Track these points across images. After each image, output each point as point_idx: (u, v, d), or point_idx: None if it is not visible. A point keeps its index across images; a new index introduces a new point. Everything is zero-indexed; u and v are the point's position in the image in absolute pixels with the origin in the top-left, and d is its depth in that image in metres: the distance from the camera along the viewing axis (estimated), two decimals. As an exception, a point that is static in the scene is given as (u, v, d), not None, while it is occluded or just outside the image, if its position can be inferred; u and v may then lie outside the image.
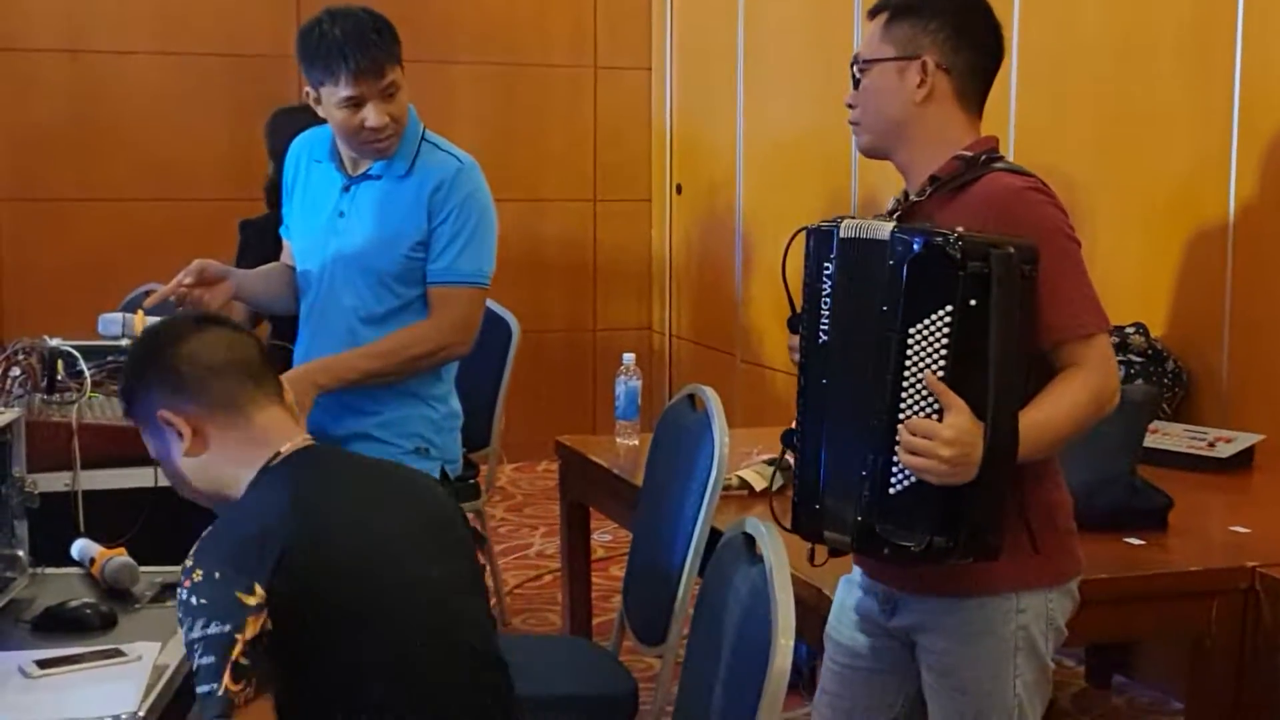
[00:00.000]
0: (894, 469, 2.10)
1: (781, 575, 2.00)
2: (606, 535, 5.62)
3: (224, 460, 1.99)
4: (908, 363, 2.08)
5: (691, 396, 3.16)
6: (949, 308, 2.04)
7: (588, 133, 7.42)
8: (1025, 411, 2.11)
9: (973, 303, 2.02)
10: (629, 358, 4.25)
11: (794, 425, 2.31)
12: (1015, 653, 2.24)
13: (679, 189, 7.32)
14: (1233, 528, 3.16)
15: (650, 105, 7.49)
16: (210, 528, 1.92)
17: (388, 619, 1.93)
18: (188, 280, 3.04)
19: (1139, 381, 3.90)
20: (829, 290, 2.22)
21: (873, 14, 2.34)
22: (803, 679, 4.20)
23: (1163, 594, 2.86)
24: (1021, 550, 2.18)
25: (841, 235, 2.20)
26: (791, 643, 1.94)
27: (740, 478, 3.39)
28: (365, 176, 3.07)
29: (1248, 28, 3.92)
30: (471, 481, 4.73)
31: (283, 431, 2.02)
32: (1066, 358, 2.17)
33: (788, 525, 2.30)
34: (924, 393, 2.06)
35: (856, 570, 2.42)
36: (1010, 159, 2.29)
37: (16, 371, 3.00)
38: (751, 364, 6.54)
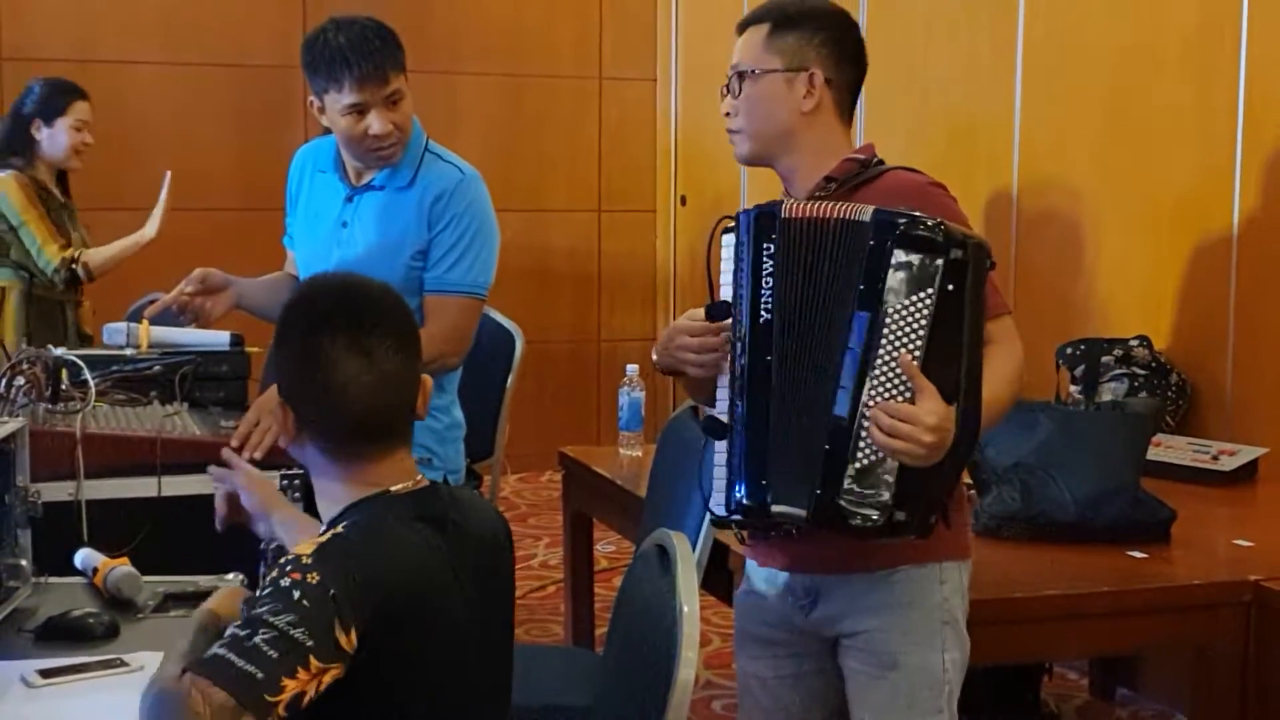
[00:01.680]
0: (860, 445, 2.11)
1: (689, 589, 1.99)
2: (610, 546, 5.62)
3: None
4: (883, 341, 2.09)
5: (694, 408, 3.15)
6: (929, 290, 2.07)
7: (593, 144, 7.43)
8: None
9: (950, 288, 2.07)
10: (632, 369, 4.25)
11: (713, 410, 2.27)
12: (942, 626, 2.30)
13: (684, 200, 7.32)
14: (1236, 541, 3.14)
15: (655, 116, 7.50)
16: (345, 537, 1.85)
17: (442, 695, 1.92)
18: (189, 289, 3.05)
19: (1143, 394, 3.90)
20: (769, 270, 2.21)
21: (745, 25, 2.41)
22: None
23: (1165, 607, 2.85)
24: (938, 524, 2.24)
25: (784, 215, 2.21)
26: (695, 655, 1.94)
27: (743, 489, 3.38)
28: (368, 187, 3.08)
29: (1252, 39, 3.92)
30: (475, 491, 4.74)
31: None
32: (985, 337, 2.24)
33: (717, 510, 2.25)
34: (897, 373, 2.08)
35: (760, 576, 2.43)
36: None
37: (21, 381, 3.00)
38: (756, 375, 6.53)
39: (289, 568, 1.77)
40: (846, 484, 2.12)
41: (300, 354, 1.97)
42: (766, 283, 2.21)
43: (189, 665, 1.71)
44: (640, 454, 4.01)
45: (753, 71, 2.38)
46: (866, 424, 2.09)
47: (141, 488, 2.85)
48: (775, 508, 2.21)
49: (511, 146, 7.18)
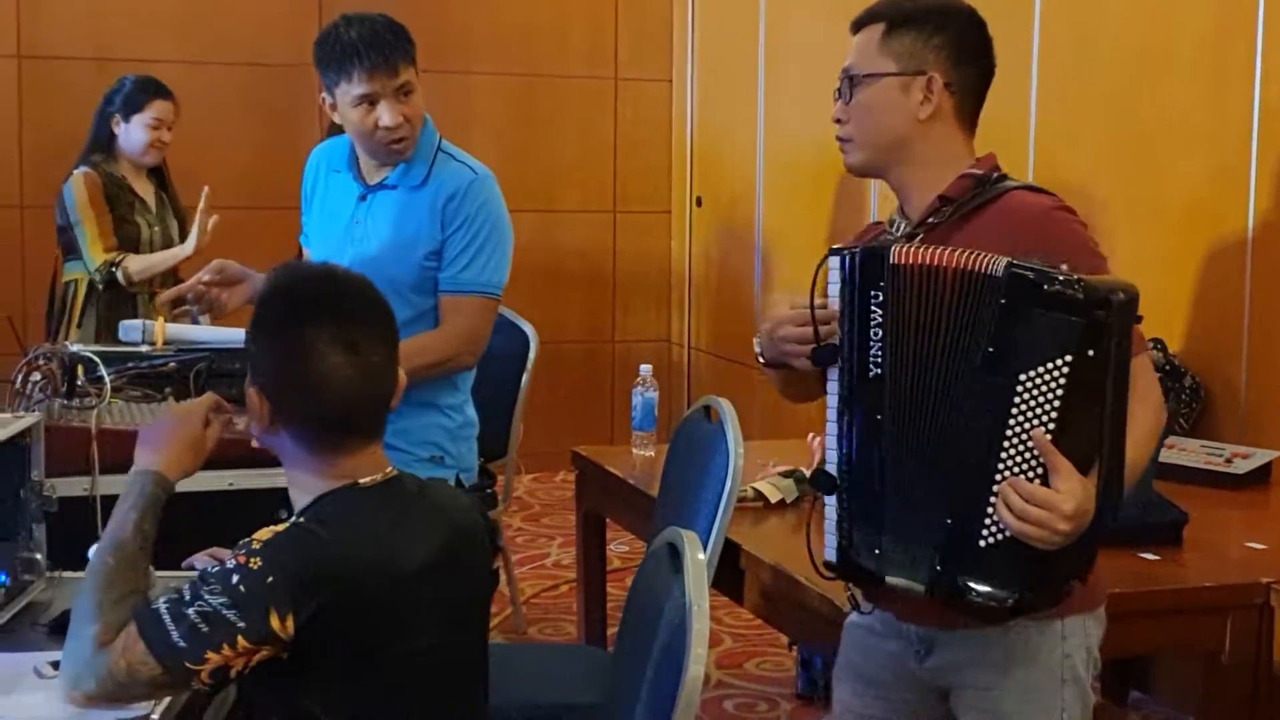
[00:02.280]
0: (986, 523, 1.96)
1: (699, 586, 1.98)
2: (623, 546, 5.63)
3: None
4: (1014, 410, 1.92)
5: (707, 408, 3.17)
6: (1067, 357, 1.88)
7: (608, 144, 7.44)
8: None
9: (1091, 353, 1.87)
10: (646, 369, 4.26)
11: (821, 462, 2.16)
12: (1062, 685, 2.13)
13: (699, 201, 7.33)
14: (1248, 544, 3.14)
15: (671, 117, 7.51)
16: (306, 527, 1.91)
17: (401, 685, 1.96)
18: (206, 278, 3.07)
19: (1157, 397, 3.89)
20: (878, 321, 2.04)
21: (860, 24, 2.23)
22: (818, 689, 4.21)
23: (1177, 609, 2.85)
24: None
25: (895, 261, 2.03)
26: (705, 651, 1.92)
27: (756, 489, 3.39)
28: (381, 186, 3.10)
29: (1267, 42, 3.92)
30: (489, 491, 4.75)
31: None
32: None
33: (820, 562, 2.14)
34: (1029, 448, 1.91)
35: (875, 618, 2.26)
36: (1029, 176, 2.23)
37: (37, 377, 3.02)
38: (770, 377, 6.53)
39: (240, 550, 1.87)
40: (970, 563, 1.97)
41: (282, 343, 2.00)
42: (875, 334, 2.05)
43: (135, 615, 1.87)
44: (653, 454, 4.01)
45: (865, 76, 2.18)
46: (994, 500, 1.93)
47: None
48: (890, 579, 2.08)
49: (526, 147, 7.20)
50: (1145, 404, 2.05)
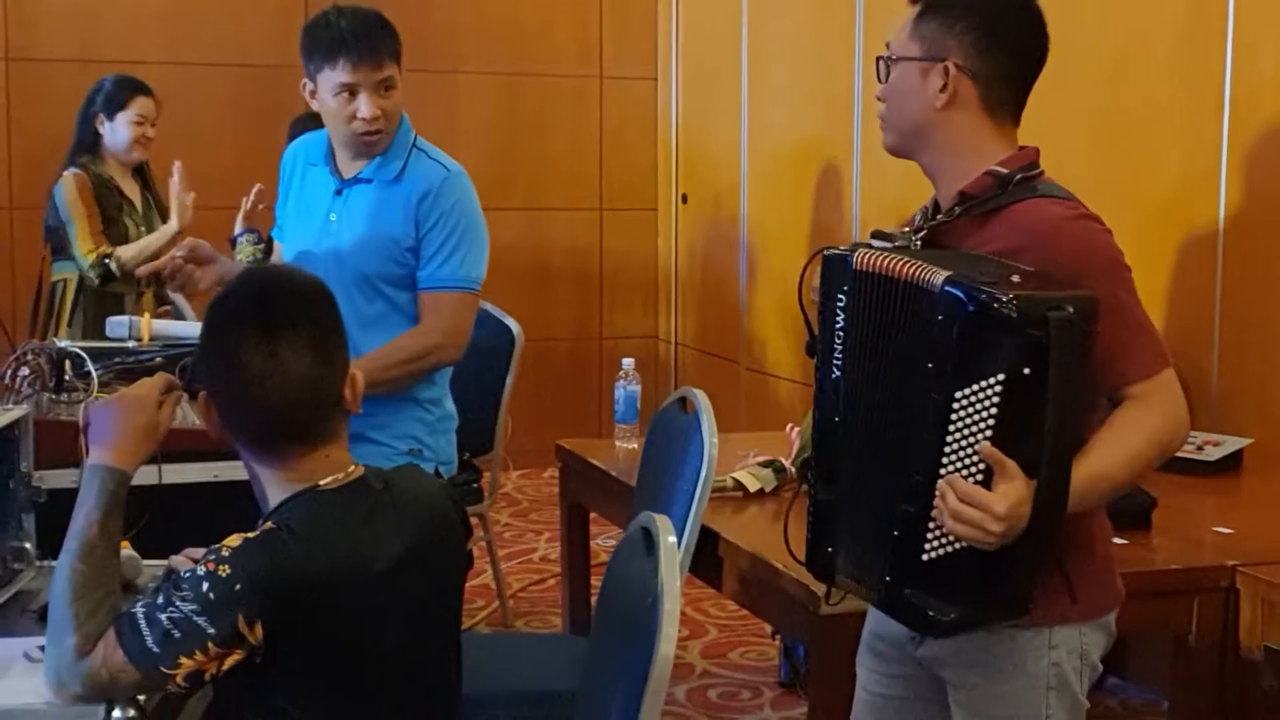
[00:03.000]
0: (929, 533, 1.95)
1: (670, 570, 2.01)
2: (610, 540, 5.67)
3: None
4: (951, 427, 1.91)
5: (683, 399, 3.21)
6: (1000, 376, 1.86)
7: (594, 142, 7.49)
8: (1077, 463, 1.95)
9: (1027, 371, 1.85)
10: (628, 362, 4.30)
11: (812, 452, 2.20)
12: (1048, 691, 2.10)
13: (684, 198, 7.38)
14: (1216, 528, 3.19)
15: (656, 115, 7.56)
16: (273, 534, 1.94)
17: (371, 691, 2.01)
18: (181, 254, 3.14)
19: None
20: (842, 323, 2.06)
21: (913, 2, 2.16)
22: (800, 678, 4.26)
23: (1144, 591, 2.84)
24: (1057, 590, 2.06)
25: (856, 267, 2.04)
26: (675, 631, 1.95)
27: (735, 479, 3.43)
28: (356, 180, 3.13)
29: (1237, 41, 3.98)
30: (475, 486, 4.80)
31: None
32: (1128, 397, 2.03)
33: (801, 558, 2.20)
34: (971, 456, 1.90)
35: None
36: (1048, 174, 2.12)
37: (25, 371, 3.07)
38: (755, 371, 6.60)
39: (210, 557, 1.91)
40: (915, 576, 1.97)
41: (215, 350, 2.03)
42: (838, 336, 2.07)
43: (114, 622, 1.92)
44: (636, 446, 4.03)
45: (891, 58, 2.14)
46: (937, 510, 1.92)
47: (142, 475, 2.86)
48: (840, 579, 2.12)
49: (512, 145, 7.25)
50: (1143, 411, 2.01)
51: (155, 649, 1.88)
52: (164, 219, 4.98)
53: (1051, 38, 2.19)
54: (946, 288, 1.91)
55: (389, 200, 3.10)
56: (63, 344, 3.22)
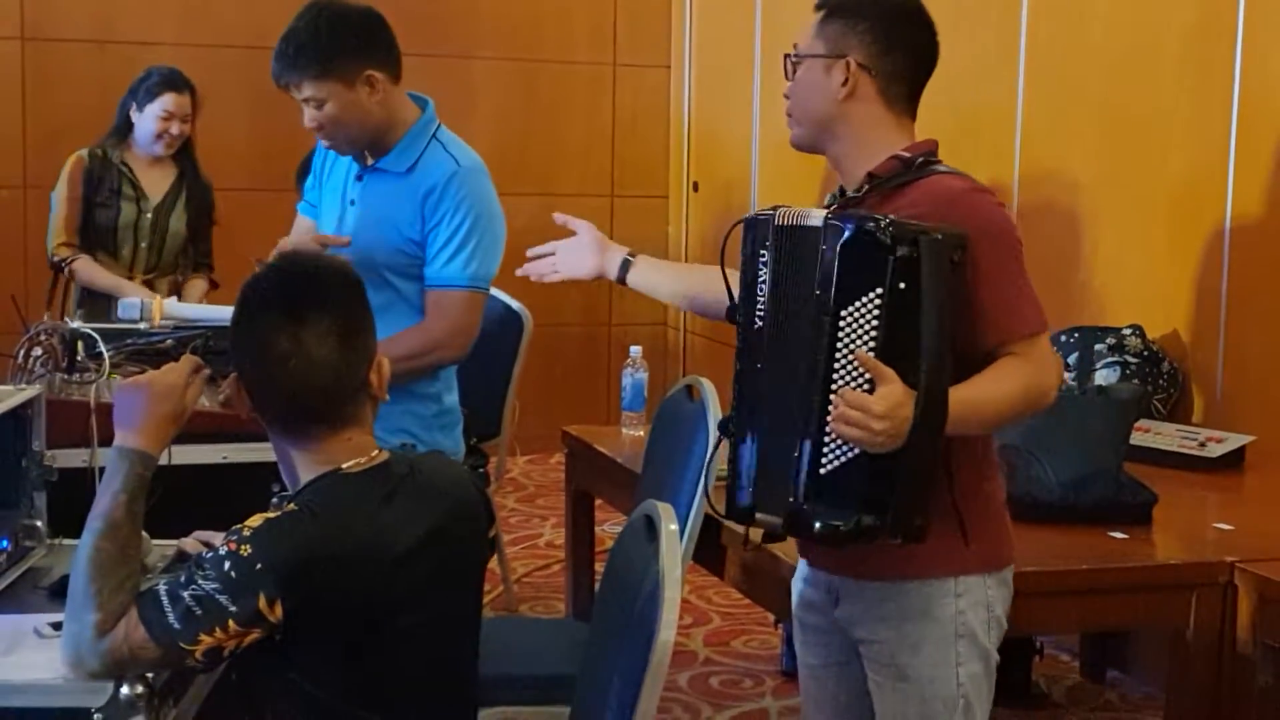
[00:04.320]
0: (825, 448, 2.12)
1: (671, 557, 2.04)
2: (616, 527, 5.69)
3: None
4: (839, 344, 2.11)
5: (689, 387, 3.23)
6: (879, 290, 2.07)
7: (606, 129, 7.50)
8: (955, 388, 2.12)
9: (902, 285, 2.06)
10: (636, 350, 4.33)
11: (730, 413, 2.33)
12: (956, 639, 2.24)
13: (695, 186, 7.39)
14: (1216, 524, 3.21)
15: (669, 103, 7.57)
16: (295, 515, 1.98)
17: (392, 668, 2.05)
18: None
19: (1134, 381, 3.97)
20: (765, 278, 2.24)
21: (817, 8, 2.37)
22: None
23: (1143, 586, 2.91)
24: (954, 537, 2.21)
25: (776, 223, 2.23)
26: (675, 617, 1.98)
27: (739, 468, 3.45)
28: (375, 169, 3.11)
29: (1247, 39, 3.99)
30: (481, 471, 4.82)
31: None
32: (1006, 355, 2.20)
33: (721, 510, 2.34)
34: (856, 370, 2.09)
35: (801, 563, 2.43)
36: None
37: (38, 352, 3.10)
38: (763, 360, 6.60)
39: (231, 537, 1.95)
40: (815, 490, 2.13)
41: (242, 334, 2.09)
42: (761, 289, 2.25)
43: (137, 600, 1.97)
44: (642, 433, 4.03)
45: (798, 56, 2.35)
46: (831, 419, 2.09)
47: (152, 456, 2.94)
48: (759, 515, 2.26)
49: (525, 131, 7.26)
50: (1021, 361, 2.19)
51: (177, 625, 1.92)
52: (198, 213, 4.98)
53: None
54: (827, 220, 2.15)
55: (401, 191, 3.08)
56: (75, 325, 3.25)
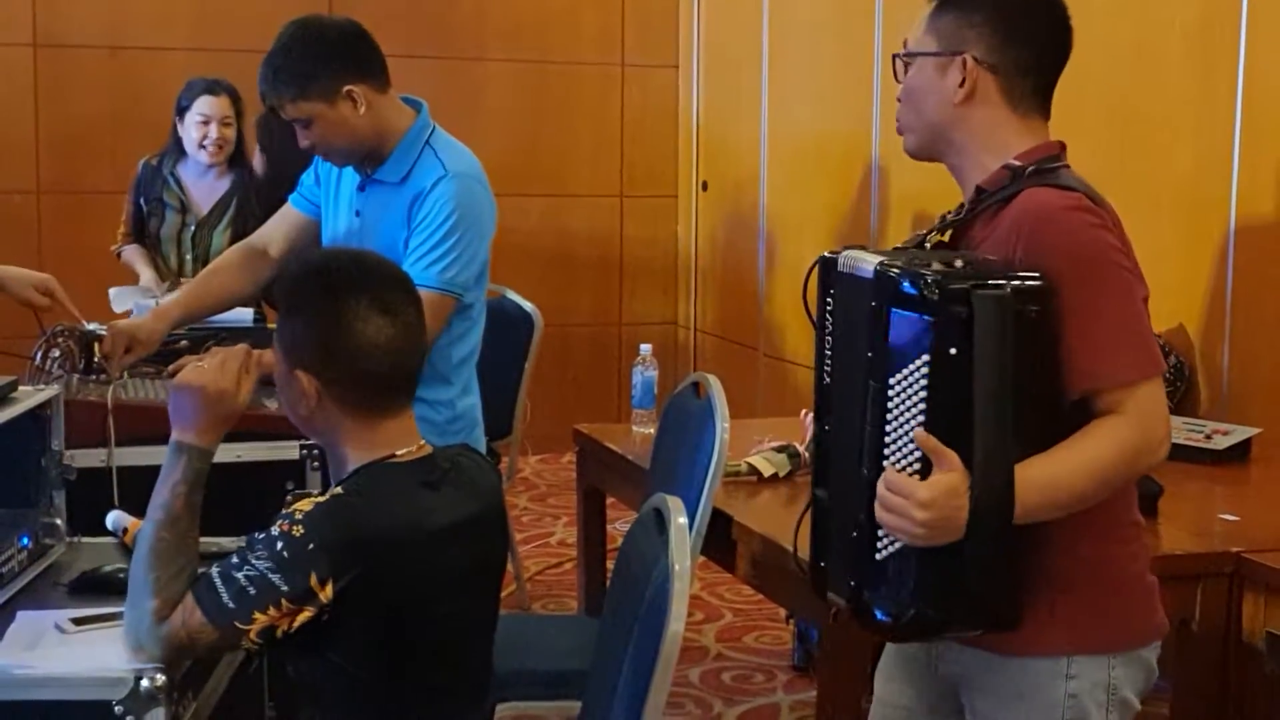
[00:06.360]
0: (880, 533, 1.89)
1: (680, 550, 2.05)
2: (627, 525, 5.67)
3: None
4: (889, 415, 1.86)
5: (696, 384, 3.26)
6: (925, 358, 1.81)
7: (615, 130, 7.53)
8: (1030, 465, 1.86)
9: (953, 351, 1.79)
10: (645, 348, 4.35)
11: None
12: None
13: (705, 186, 7.41)
14: (1222, 515, 3.22)
15: (677, 103, 7.59)
16: (344, 498, 2.04)
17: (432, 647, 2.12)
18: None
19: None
20: (830, 327, 2.02)
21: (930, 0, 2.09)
22: (813, 662, 4.31)
23: (1149, 577, 2.92)
24: (1065, 614, 1.96)
25: (838, 268, 1.99)
26: (685, 609, 1.98)
27: (749, 464, 3.47)
28: (373, 180, 3.14)
29: (1251, 34, 4.00)
30: (479, 459, 4.84)
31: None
32: (1103, 406, 1.90)
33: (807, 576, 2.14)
34: (910, 447, 1.84)
35: None
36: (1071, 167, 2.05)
37: (56, 353, 3.14)
38: (774, 358, 6.64)
39: (283, 519, 2.01)
40: (871, 577, 1.90)
41: (323, 317, 2.12)
42: (827, 341, 2.03)
43: (191, 586, 2.03)
44: (652, 431, 4.04)
45: (907, 55, 2.07)
46: (877, 504, 1.86)
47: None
48: (830, 594, 2.04)
49: (535, 132, 7.29)
50: (1115, 423, 1.89)
51: (231, 604, 1.98)
52: (245, 228, 5.02)
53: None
54: (878, 270, 1.88)
55: (395, 201, 3.09)
56: (91, 327, 3.29)
